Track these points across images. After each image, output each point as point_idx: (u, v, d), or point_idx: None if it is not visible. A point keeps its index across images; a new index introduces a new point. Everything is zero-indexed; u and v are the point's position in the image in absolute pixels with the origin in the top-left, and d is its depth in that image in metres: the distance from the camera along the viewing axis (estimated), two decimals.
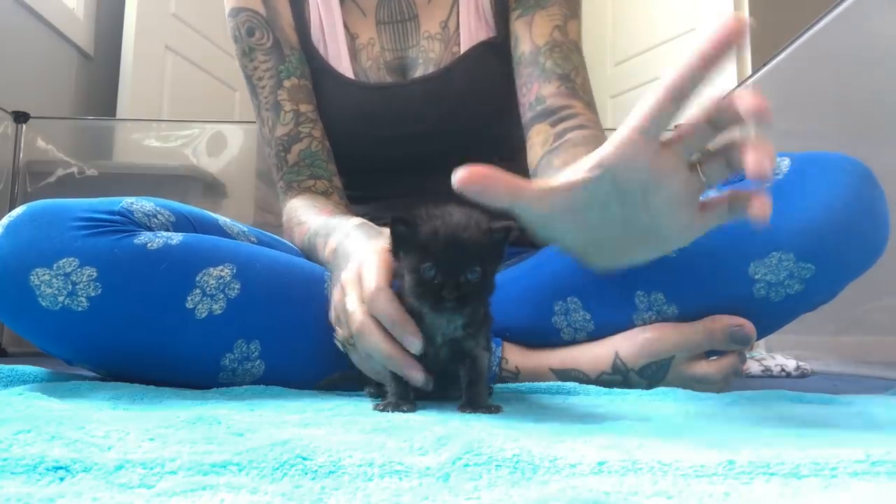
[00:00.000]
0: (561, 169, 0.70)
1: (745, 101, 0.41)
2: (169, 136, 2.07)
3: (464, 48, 0.89)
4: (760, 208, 0.43)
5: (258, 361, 0.67)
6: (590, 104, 0.83)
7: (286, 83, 0.89)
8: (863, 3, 1.33)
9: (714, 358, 0.71)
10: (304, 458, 0.31)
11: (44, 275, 0.61)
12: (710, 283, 0.68)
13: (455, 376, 0.56)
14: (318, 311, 0.70)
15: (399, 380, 0.54)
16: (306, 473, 0.30)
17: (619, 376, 0.71)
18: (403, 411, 0.51)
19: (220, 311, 0.65)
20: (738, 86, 1.93)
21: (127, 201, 0.68)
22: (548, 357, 0.74)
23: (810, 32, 1.44)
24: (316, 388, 0.67)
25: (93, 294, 0.62)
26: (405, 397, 0.53)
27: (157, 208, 0.70)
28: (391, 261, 0.56)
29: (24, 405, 0.46)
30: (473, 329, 0.54)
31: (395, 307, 0.53)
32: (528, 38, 0.85)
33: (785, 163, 0.70)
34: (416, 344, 0.52)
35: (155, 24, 2.42)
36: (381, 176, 0.92)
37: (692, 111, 0.44)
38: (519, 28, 0.87)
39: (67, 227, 0.63)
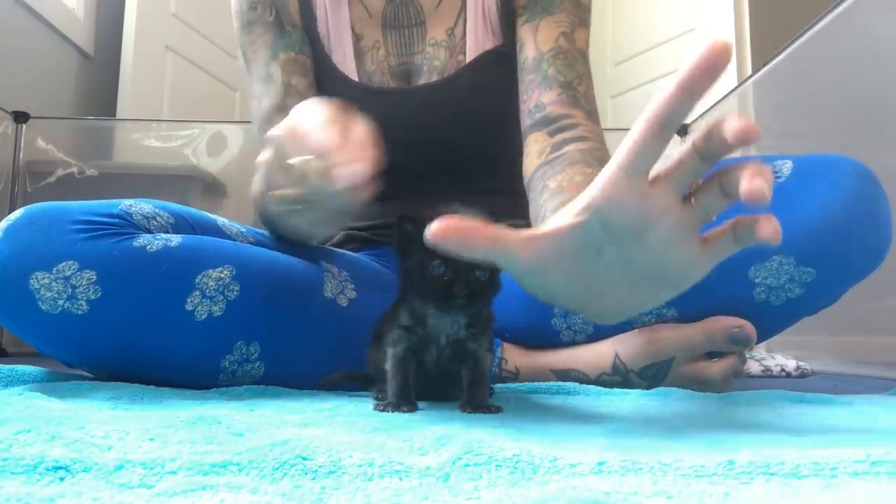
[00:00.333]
0: (555, 193, 0.69)
1: (731, 124, 0.37)
2: (169, 136, 2.07)
3: (469, 57, 0.88)
4: (769, 230, 0.40)
5: (258, 363, 0.67)
6: (591, 114, 0.81)
7: (282, 56, 0.86)
8: (863, 3, 1.33)
9: (714, 359, 0.71)
10: (304, 458, 0.31)
11: (43, 278, 0.61)
12: (710, 287, 0.68)
13: (456, 376, 0.56)
14: (317, 312, 0.70)
15: (400, 380, 0.54)
16: (306, 473, 0.30)
17: (619, 377, 0.71)
18: (403, 411, 0.51)
19: (219, 313, 0.65)
20: (738, 86, 1.92)
21: (126, 203, 0.68)
22: (548, 357, 0.74)
23: (810, 32, 1.44)
24: (317, 387, 0.67)
25: (92, 297, 0.62)
26: (406, 397, 0.53)
27: (156, 210, 0.70)
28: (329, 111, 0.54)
29: (24, 405, 0.46)
30: (477, 330, 0.55)
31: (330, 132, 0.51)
32: (533, 43, 0.83)
33: (787, 165, 0.70)
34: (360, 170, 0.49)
35: (155, 24, 2.42)
36: (379, 179, 0.92)
37: (681, 146, 0.41)
38: (524, 33, 0.85)
39: (66, 231, 0.63)
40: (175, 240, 0.66)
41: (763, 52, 1.93)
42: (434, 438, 0.37)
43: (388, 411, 0.51)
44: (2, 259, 0.62)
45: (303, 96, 0.83)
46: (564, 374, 0.73)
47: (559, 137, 0.76)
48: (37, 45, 1.99)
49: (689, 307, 0.69)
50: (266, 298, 0.67)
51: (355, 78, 0.89)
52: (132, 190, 1.83)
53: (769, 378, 1.28)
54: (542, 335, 0.74)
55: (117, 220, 0.65)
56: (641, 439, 0.40)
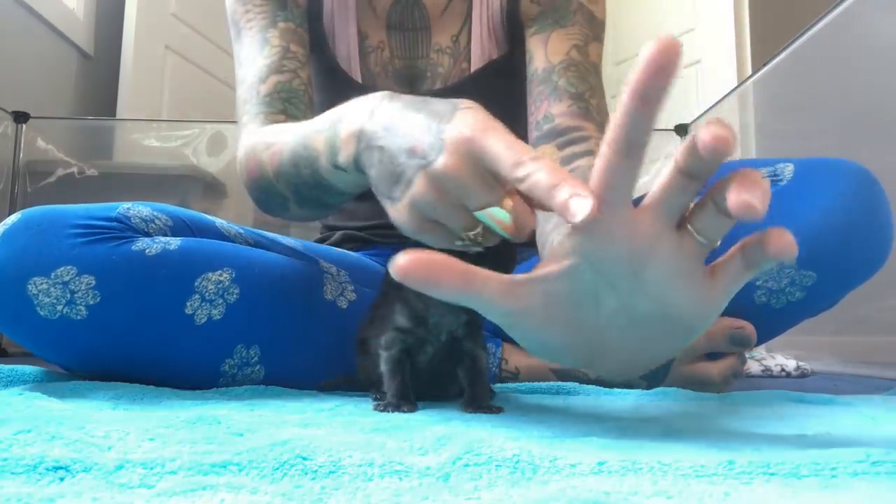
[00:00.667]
0: (562, 222, 0.65)
1: (701, 136, 0.32)
2: (169, 136, 2.07)
3: (474, 66, 0.87)
4: (780, 244, 0.34)
5: (258, 366, 0.67)
6: (603, 128, 0.77)
7: (280, 24, 0.80)
8: (863, 3, 1.33)
9: (714, 360, 0.71)
10: (304, 458, 0.31)
11: (42, 283, 0.61)
12: None
13: (449, 376, 0.56)
14: (317, 314, 0.70)
15: (399, 380, 0.54)
16: (306, 473, 0.30)
17: (621, 378, 0.71)
18: (404, 411, 0.51)
19: (219, 317, 0.65)
20: (738, 86, 1.92)
21: (123, 207, 0.67)
22: None
23: (810, 32, 1.44)
24: (317, 388, 0.67)
25: (91, 302, 0.61)
26: (406, 397, 0.53)
27: (155, 213, 0.69)
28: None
29: (24, 405, 0.46)
30: (473, 328, 0.55)
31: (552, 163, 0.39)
32: (543, 55, 0.80)
33: (789, 168, 0.70)
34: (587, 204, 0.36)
35: (155, 24, 2.42)
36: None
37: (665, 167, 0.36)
38: (534, 45, 0.82)
39: (65, 235, 0.63)
40: (174, 243, 0.65)
41: (763, 52, 1.93)
42: (434, 438, 0.37)
43: (389, 411, 0.51)
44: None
45: (302, 63, 0.78)
46: (564, 374, 0.73)
47: (569, 151, 0.72)
48: (37, 45, 1.99)
49: None
50: (266, 301, 0.67)
51: (358, 78, 0.88)
52: (132, 190, 1.84)
53: (769, 378, 1.28)
54: None
55: (115, 223, 0.65)
56: (641, 439, 0.40)
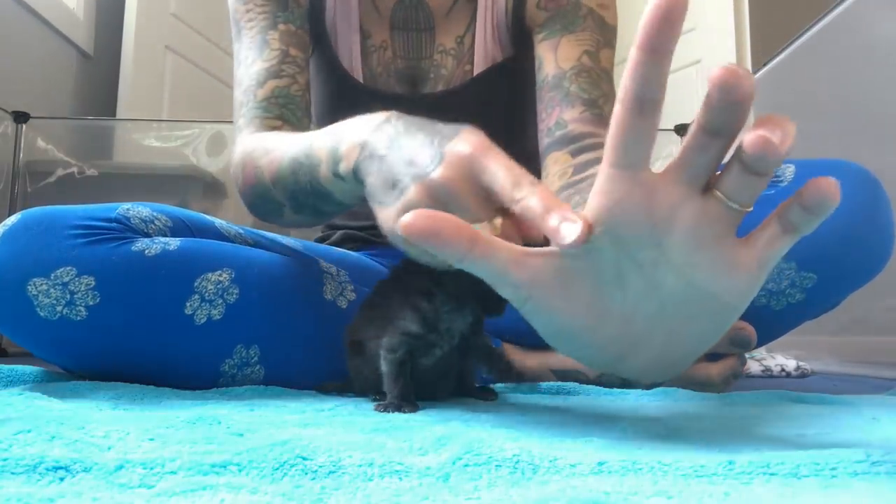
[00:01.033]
0: None
1: (711, 73, 0.31)
2: (169, 136, 2.07)
3: (477, 69, 0.86)
4: (820, 189, 0.32)
5: (258, 367, 0.67)
6: None
7: (281, 26, 0.79)
8: (863, 3, 1.33)
9: (714, 360, 0.71)
10: (304, 458, 0.31)
11: (41, 284, 0.61)
12: None
13: (452, 374, 0.58)
14: (317, 314, 0.70)
15: (403, 381, 0.54)
16: (306, 473, 0.30)
17: (619, 377, 0.71)
18: (405, 412, 0.51)
19: (219, 317, 0.65)
20: None
21: (123, 207, 0.67)
22: (548, 358, 0.74)
23: (810, 32, 1.44)
24: (315, 388, 0.67)
25: (91, 303, 0.61)
26: (408, 398, 0.53)
27: (154, 213, 0.69)
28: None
29: (24, 405, 0.46)
30: (478, 326, 0.56)
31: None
32: (553, 61, 0.78)
33: (789, 170, 0.70)
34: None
35: (155, 24, 2.42)
36: None
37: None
38: (543, 51, 0.80)
39: (64, 236, 0.63)
40: (173, 243, 0.65)
41: (763, 52, 1.93)
42: (434, 438, 0.37)
43: (389, 412, 0.51)
44: None
45: (300, 68, 0.78)
46: (564, 374, 0.73)
47: (582, 158, 0.70)
48: (37, 45, 2.00)
49: None
50: (265, 301, 0.67)
51: (360, 78, 0.88)
52: (132, 190, 1.84)
53: (769, 378, 1.28)
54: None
55: (115, 224, 0.65)
56: (641, 439, 0.40)
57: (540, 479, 0.31)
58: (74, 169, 1.86)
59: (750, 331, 0.67)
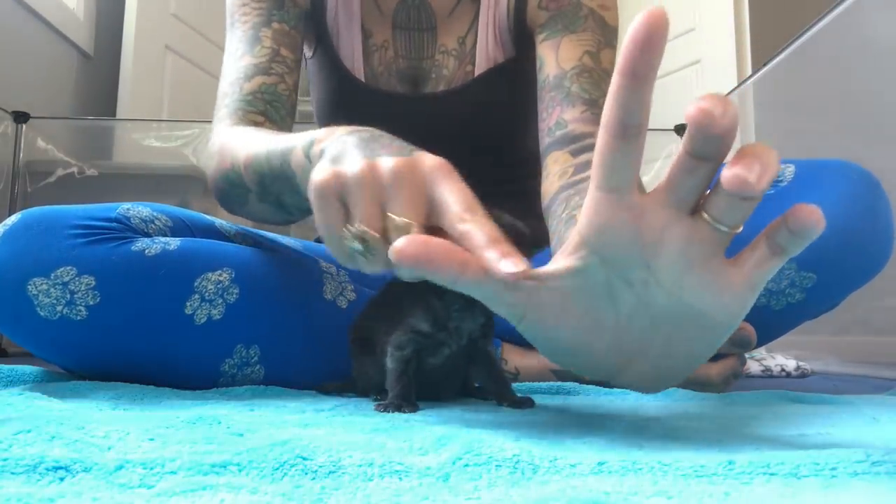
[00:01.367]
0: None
1: (687, 108, 0.31)
2: (169, 136, 2.08)
3: (478, 69, 0.86)
4: (806, 217, 0.33)
5: (258, 366, 0.67)
6: None
7: (275, 25, 0.79)
8: (863, 3, 1.33)
9: (714, 360, 0.71)
10: (304, 458, 0.31)
11: (41, 284, 0.61)
12: None
13: (460, 375, 0.57)
14: (317, 314, 0.70)
15: (405, 381, 0.54)
16: (306, 473, 0.30)
17: None
18: (404, 412, 0.51)
19: (219, 317, 0.65)
20: (738, 86, 1.93)
21: (123, 207, 0.67)
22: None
23: (810, 32, 1.44)
24: (316, 389, 0.67)
25: (91, 303, 0.61)
26: (408, 399, 0.53)
27: (154, 213, 0.69)
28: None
29: (24, 405, 0.46)
30: (488, 329, 0.55)
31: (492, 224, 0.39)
32: (554, 61, 0.78)
33: (789, 170, 0.70)
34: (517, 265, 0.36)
35: (155, 24, 2.42)
36: None
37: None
38: (545, 51, 0.79)
39: (64, 236, 0.63)
40: (173, 243, 0.65)
41: (763, 52, 1.93)
42: (434, 438, 0.37)
43: (389, 412, 0.51)
44: None
45: (290, 69, 0.78)
46: (564, 374, 0.73)
47: (583, 158, 0.70)
48: (37, 45, 2.00)
49: None
50: (265, 301, 0.67)
51: (361, 77, 0.88)
52: (132, 190, 1.84)
53: (769, 378, 1.28)
54: None
55: (115, 224, 0.65)
56: (641, 439, 0.40)
57: (540, 479, 0.31)
58: (74, 169, 1.86)
59: (750, 331, 0.67)
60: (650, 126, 0.35)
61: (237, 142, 0.66)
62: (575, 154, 0.71)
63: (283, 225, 0.72)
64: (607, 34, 0.79)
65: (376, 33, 0.87)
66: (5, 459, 0.29)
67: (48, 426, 0.35)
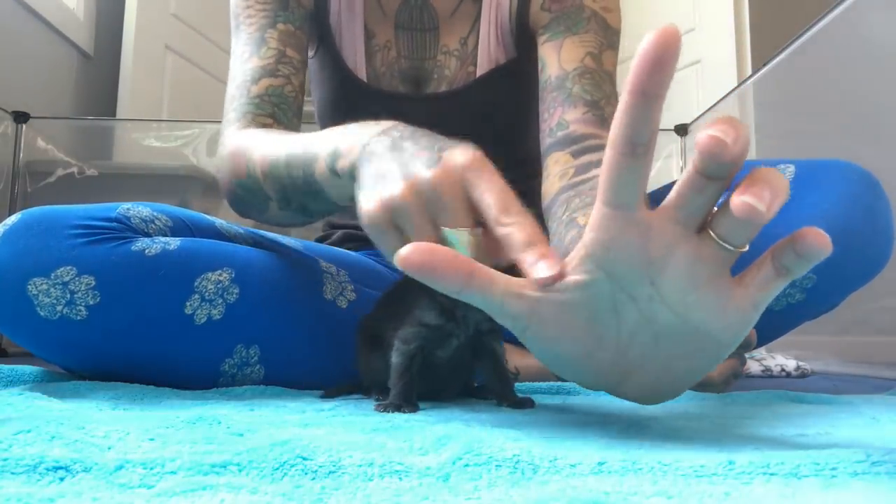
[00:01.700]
0: (584, 228, 0.63)
1: (698, 135, 0.31)
2: (169, 136, 2.08)
3: (480, 70, 0.86)
4: (812, 241, 0.33)
5: (258, 366, 0.67)
6: None
7: (280, 26, 0.79)
8: (863, 3, 1.33)
9: None
10: (304, 458, 0.31)
11: (41, 284, 0.61)
12: None
13: (465, 371, 0.57)
14: (317, 314, 0.70)
15: (407, 380, 0.54)
16: (306, 473, 0.30)
17: None
18: (404, 412, 0.51)
19: (219, 317, 0.65)
20: (738, 86, 1.92)
21: (123, 207, 0.67)
22: None
23: (810, 32, 1.44)
24: (322, 396, 0.66)
25: (91, 302, 0.61)
26: (409, 399, 0.53)
27: (154, 213, 0.69)
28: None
29: (24, 405, 0.46)
30: (496, 322, 0.55)
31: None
32: (556, 62, 0.78)
33: (789, 170, 0.70)
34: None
35: (155, 24, 2.42)
36: None
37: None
38: (547, 52, 0.79)
39: (64, 236, 0.63)
40: (173, 243, 0.65)
41: (763, 52, 1.93)
42: (434, 438, 0.37)
43: (389, 412, 0.51)
44: None
45: (296, 70, 0.78)
46: None
47: (584, 159, 0.70)
48: (37, 45, 2.00)
49: None
50: (265, 301, 0.67)
51: (364, 77, 0.88)
52: (132, 190, 1.84)
53: (769, 378, 1.28)
54: None
55: (115, 224, 0.65)
56: (641, 439, 0.40)
57: (540, 479, 0.31)
58: (74, 169, 1.86)
59: (750, 331, 0.68)
60: None
61: (251, 148, 0.67)
62: (576, 155, 0.71)
63: (305, 226, 0.73)
64: (609, 36, 0.79)
65: (379, 33, 0.87)
66: (5, 459, 0.29)
67: (48, 426, 0.35)
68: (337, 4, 0.86)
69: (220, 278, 0.65)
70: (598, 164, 0.68)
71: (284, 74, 0.77)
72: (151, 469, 0.30)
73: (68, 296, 0.61)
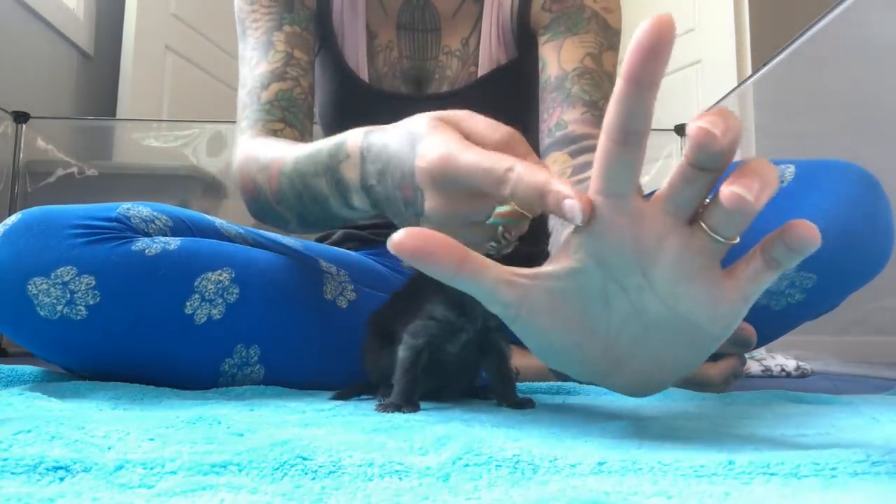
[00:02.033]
0: None
1: (689, 125, 0.31)
2: (169, 136, 2.08)
3: (481, 70, 0.86)
4: (801, 234, 0.33)
5: (258, 366, 0.67)
6: None
7: (286, 28, 0.79)
8: (863, 3, 1.33)
9: (714, 360, 0.71)
10: (304, 458, 0.31)
11: (41, 284, 0.61)
12: None
13: (472, 367, 0.57)
14: (317, 314, 0.70)
15: (410, 379, 0.54)
16: (306, 473, 0.30)
17: None
18: (404, 412, 0.51)
19: (219, 316, 0.65)
20: (738, 86, 1.93)
21: (123, 207, 0.67)
22: None
23: (810, 32, 1.44)
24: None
25: (91, 302, 0.61)
26: (409, 399, 0.53)
27: (154, 213, 0.69)
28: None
29: (24, 405, 0.46)
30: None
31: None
32: (556, 62, 0.78)
33: (790, 170, 0.70)
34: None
35: (155, 24, 2.42)
36: None
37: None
38: (547, 52, 0.79)
39: (64, 236, 0.63)
40: (174, 243, 0.65)
41: (763, 52, 1.93)
42: (434, 438, 0.37)
43: (390, 412, 0.51)
44: None
45: (304, 71, 0.79)
46: (564, 375, 0.73)
47: (582, 159, 0.70)
48: (37, 45, 1.99)
49: None
50: (265, 301, 0.67)
51: (365, 77, 0.88)
52: (132, 190, 1.84)
53: (769, 378, 1.28)
54: None
55: (115, 223, 0.65)
56: (641, 439, 0.40)
57: (540, 479, 0.31)
58: (74, 169, 1.87)
59: (750, 331, 0.67)
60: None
61: (252, 166, 0.67)
62: (574, 155, 0.71)
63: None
64: (610, 36, 0.79)
65: (381, 34, 0.88)
66: (5, 459, 0.29)
67: (48, 426, 0.35)
68: (339, 4, 0.86)
69: (221, 278, 0.65)
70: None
71: (293, 77, 0.77)
72: (151, 469, 0.30)
73: (68, 296, 0.61)
